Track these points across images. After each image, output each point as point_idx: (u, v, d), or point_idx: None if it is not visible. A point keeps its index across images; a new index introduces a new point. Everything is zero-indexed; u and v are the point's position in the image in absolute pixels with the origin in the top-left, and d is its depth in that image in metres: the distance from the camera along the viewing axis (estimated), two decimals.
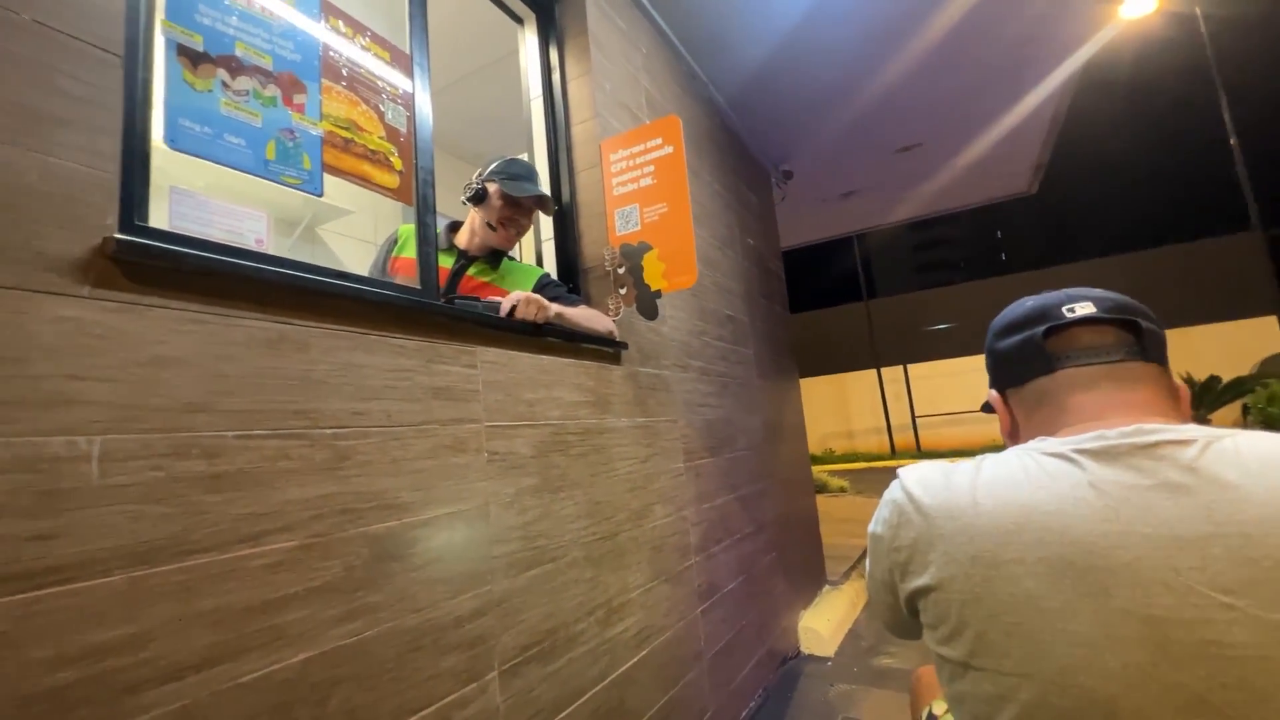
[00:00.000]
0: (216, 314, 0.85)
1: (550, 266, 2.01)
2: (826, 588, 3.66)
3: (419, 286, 1.32)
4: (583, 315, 1.66)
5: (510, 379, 1.39)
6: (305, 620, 0.88)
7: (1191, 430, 0.56)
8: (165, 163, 0.98)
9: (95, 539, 0.68)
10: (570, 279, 1.96)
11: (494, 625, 1.21)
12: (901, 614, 0.68)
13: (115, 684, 0.68)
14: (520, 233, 1.78)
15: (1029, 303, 0.72)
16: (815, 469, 7.23)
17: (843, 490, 8.56)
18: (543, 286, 1.74)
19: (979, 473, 0.62)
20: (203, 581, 0.77)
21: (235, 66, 1.07)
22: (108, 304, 0.74)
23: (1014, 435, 0.74)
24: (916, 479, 0.66)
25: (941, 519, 0.61)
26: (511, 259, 1.84)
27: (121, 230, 0.77)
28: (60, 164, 0.71)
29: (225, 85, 1.05)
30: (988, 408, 0.79)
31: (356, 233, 2.97)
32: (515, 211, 1.72)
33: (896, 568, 0.65)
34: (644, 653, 1.69)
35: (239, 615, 0.80)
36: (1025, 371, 0.70)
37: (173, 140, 0.98)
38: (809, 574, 3.50)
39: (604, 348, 1.77)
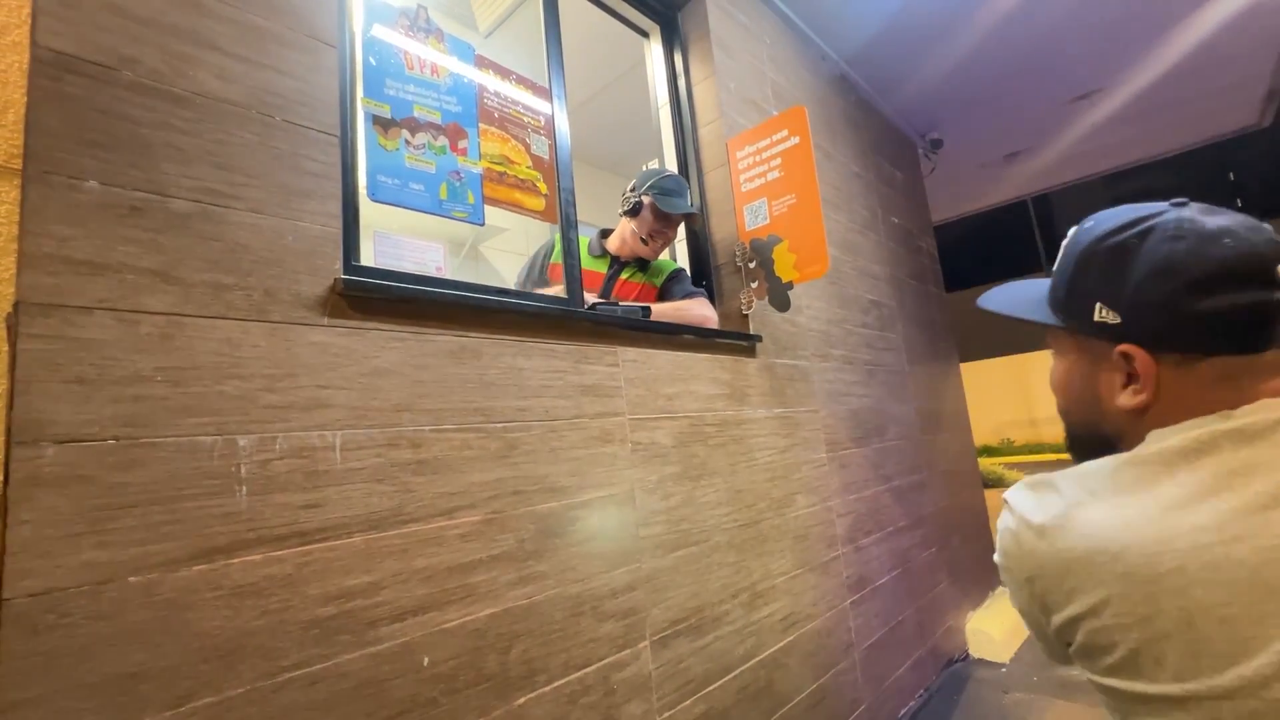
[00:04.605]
0: (413, 332, 1.05)
1: (683, 264, 2.10)
2: (1000, 588, 3.36)
3: (566, 296, 1.48)
4: (670, 309, 1.71)
5: (649, 375, 1.50)
6: (489, 582, 1.06)
7: None
8: (366, 210, 1.22)
9: (342, 509, 0.90)
10: (703, 276, 2.03)
11: (644, 599, 1.33)
12: (1057, 645, 0.60)
13: (361, 619, 0.89)
14: (666, 244, 1.89)
15: (1234, 245, 0.52)
16: (991, 461, 6.58)
17: None
18: (670, 279, 1.85)
19: (1100, 478, 0.55)
20: (415, 545, 0.97)
21: (414, 125, 1.30)
22: (340, 329, 0.96)
23: (1143, 415, 0.58)
24: (1029, 501, 0.59)
25: (1072, 539, 0.54)
26: None
27: (345, 271, 1.00)
28: (306, 226, 0.94)
29: (408, 142, 1.28)
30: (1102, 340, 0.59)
31: (511, 247, 3.33)
32: (665, 225, 1.83)
33: (1035, 600, 0.58)
34: (791, 638, 1.73)
35: (442, 574, 1.00)
36: (1223, 342, 0.53)
37: (373, 193, 1.22)
38: (979, 573, 3.23)
39: (738, 341, 1.82)
